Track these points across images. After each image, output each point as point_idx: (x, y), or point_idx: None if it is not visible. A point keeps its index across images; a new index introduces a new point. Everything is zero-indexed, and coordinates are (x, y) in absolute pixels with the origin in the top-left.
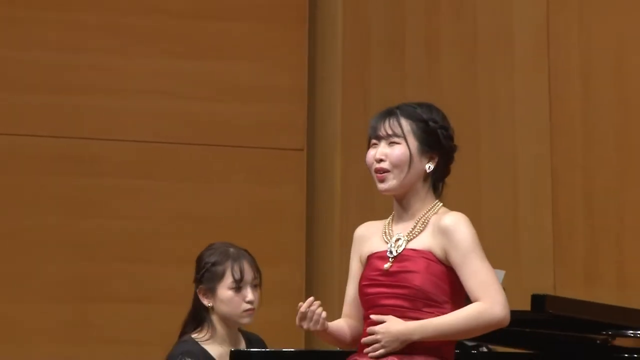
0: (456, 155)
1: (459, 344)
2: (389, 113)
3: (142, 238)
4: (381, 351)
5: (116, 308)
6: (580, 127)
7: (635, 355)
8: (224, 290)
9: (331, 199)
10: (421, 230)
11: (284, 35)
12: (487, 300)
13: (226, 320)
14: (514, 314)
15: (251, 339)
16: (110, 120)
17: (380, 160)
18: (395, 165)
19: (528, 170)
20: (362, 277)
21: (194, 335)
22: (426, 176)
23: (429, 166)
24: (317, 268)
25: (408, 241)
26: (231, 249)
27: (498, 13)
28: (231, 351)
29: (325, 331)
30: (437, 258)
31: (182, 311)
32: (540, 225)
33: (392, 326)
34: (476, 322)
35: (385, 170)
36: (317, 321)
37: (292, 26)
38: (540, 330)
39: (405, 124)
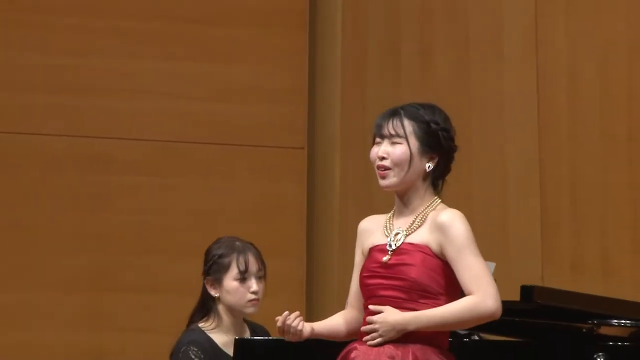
0: None
1: (452, 333)
2: (394, 113)
3: (152, 231)
4: (379, 340)
5: (128, 298)
6: (566, 125)
7: (619, 343)
8: (230, 281)
9: (331, 194)
10: (419, 226)
11: (285, 39)
12: (480, 294)
13: (232, 310)
14: (504, 304)
15: (255, 329)
16: (121, 120)
17: (383, 158)
18: (396, 164)
19: (517, 165)
20: (363, 269)
21: (200, 325)
22: (426, 175)
23: (429, 165)
24: (318, 260)
25: (406, 235)
26: (237, 242)
27: (489, 18)
28: (235, 339)
29: (310, 336)
30: (433, 252)
31: (191, 301)
32: (529, 218)
33: (389, 316)
34: (469, 315)
35: (387, 168)
36: (294, 334)
37: (293, 31)
38: (529, 320)
39: (408, 124)
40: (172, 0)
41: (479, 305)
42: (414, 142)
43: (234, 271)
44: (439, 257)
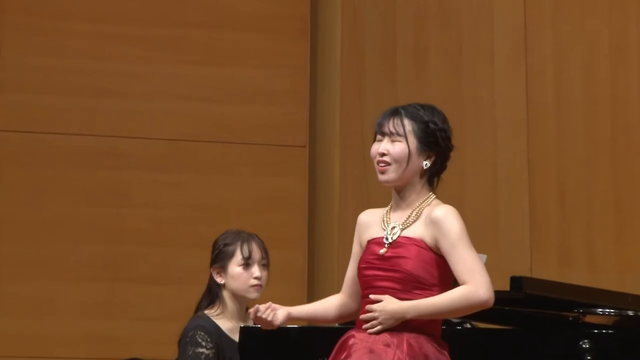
0: None
1: (446, 321)
2: (395, 112)
3: (162, 225)
4: (378, 328)
5: (140, 287)
6: (553, 125)
7: (604, 331)
8: (234, 267)
9: (330, 190)
10: (415, 220)
11: (288, 44)
12: (473, 284)
13: (236, 296)
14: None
15: None
16: (133, 120)
17: (383, 155)
18: (396, 160)
19: (507, 163)
20: (361, 260)
21: (206, 312)
22: (423, 172)
23: (426, 163)
24: (318, 252)
25: (402, 229)
26: (243, 233)
27: (480, 23)
28: (240, 327)
29: (286, 321)
30: (427, 246)
31: (198, 291)
32: (518, 213)
33: (388, 305)
34: (463, 303)
35: (387, 164)
36: (267, 323)
37: (296, 36)
38: (518, 309)
39: (408, 124)
40: (180, 7)
41: (473, 295)
42: (412, 141)
43: (238, 257)
44: (433, 251)
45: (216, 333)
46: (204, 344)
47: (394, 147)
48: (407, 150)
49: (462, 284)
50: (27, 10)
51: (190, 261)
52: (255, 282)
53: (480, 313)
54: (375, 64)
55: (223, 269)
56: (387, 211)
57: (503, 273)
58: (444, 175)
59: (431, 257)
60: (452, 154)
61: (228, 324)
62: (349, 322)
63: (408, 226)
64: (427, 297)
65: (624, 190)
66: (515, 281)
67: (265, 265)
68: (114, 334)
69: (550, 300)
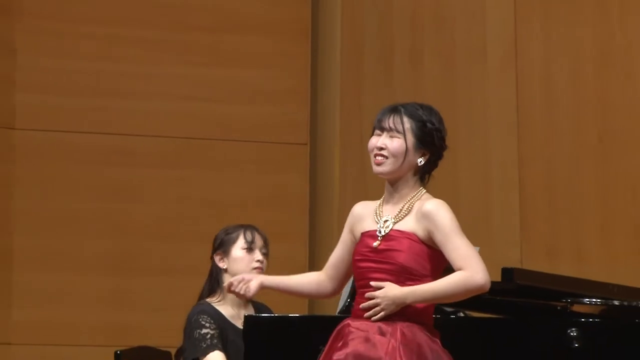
0: None
1: (440, 311)
2: (395, 110)
3: (169, 219)
4: (381, 314)
5: (148, 279)
6: (542, 126)
7: (590, 319)
8: (237, 250)
9: (330, 186)
10: (406, 214)
11: (290, 46)
12: (470, 270)
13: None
14: None
15: (259, 307)
16: (142, 119)
17: (381, 149)
18: (393, 155)
19: (499, 162)
20: (355, 253)
21: (208, 300)
22: (417, 169)
23: (421, 160)
24: (319, 245)
25: (395, 223)
26: (244, 224)
27: (473, 29)
28: (245, 316)
29: (258, 290)
30: (419, 239)
31: (203, 282)
32: (509, 209)
33: (390, 291)
34: (461, 287)
35: (384, 157)
36: (239, 294)
37: (297, 38)
38: (509, 299)
39: (407, 121)
40: (188, 12)
41: (470, 279)
42: (410, 138)
43: (241, 241)
44: (424, 243)
45: (218, 318)
46: (207, 325)
47: (392, 142)
48: (404, 146)
49: (459, 271)
50: (40, 15)
51: (195, 254)
52: (257, 264)
53: (473, 303)
54: (374, 65)
55: (225, 254)
56: (379, 204)
57: (495, 265)
58: (439, 173)
59: (422, 249)
60: (447, 153)
61: (230, 311)
62: (346, 311)
63: (400, 219)
64: None
65: (609, 188)
66: (507, 272)
67: (265, 254)
68: (123, 323)
69: (539, 291)
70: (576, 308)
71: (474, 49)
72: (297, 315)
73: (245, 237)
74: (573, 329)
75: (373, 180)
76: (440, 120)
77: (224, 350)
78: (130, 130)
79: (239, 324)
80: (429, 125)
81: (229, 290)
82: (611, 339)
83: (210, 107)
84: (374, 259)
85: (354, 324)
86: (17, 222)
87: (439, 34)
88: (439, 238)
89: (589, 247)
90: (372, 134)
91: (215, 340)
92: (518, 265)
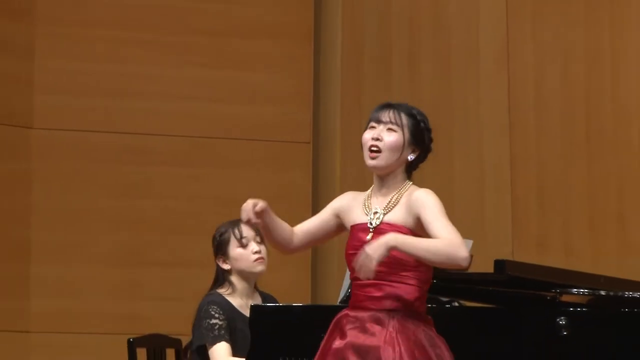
0: (434, 148)
1: (435, 300)
2: (391, 105)
3: (179, 214)
4: (373, 262)
5: (160, 271)
6: (533, 126)
7: (578, 309)
8: (234, 250)
9: (332, 181)
10: (395, 205)
11: (293, 49)
12: (456, 240)
13: (243, 275)
14: (480, 275)
15: (266, 297)
16: (154, 119)
17: (377, 139)
18: (389, 149)
19: (491, 159)
20: (348, 247)
21: (218, 290)
22: (407, 164)
23: (411, 157)
24: None
25: (384, 214)
26: (233, 220)
27: (467, 32)
28: (251, 305)
29: (261, 220)
30: (409, 230)
31: (211, 273)
32: (501, 205)
33: (371, 244)
34: (444, 252)
35: (378, 150)
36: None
37: (300, 42)
38: (501, 289)
39: (404, 117)
40: (198, 16)
41: (455, 249)
42: (406, 133)
43: (234, 241)
44: (414, 234)
45: (228, 308)
46: (217, 315)
47: (390, 136)
48: (402, 140)
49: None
50: (57, 21)
51: (204, 247)
52: (256, 256)
53: (467, 293)
54: (373, 68)
55: (225, 256)
56: (367, 196)
57: (487, 257)
58: (434, 170)
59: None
60: (442, 151)
61: (238, 301)
62: (347, 301)
63: (389, 211)
64: (413, 277)
65: (597, 186)
66: (499, 264)
67: (260, 241)
68: (136, 312)
69: (530, 282)
70: (565, 298)
71: (468, 53)
72: (301, 304)
73: (235, 236)
74: (562, 317)
75: (372, 176)
76: (428, 123)
77: (232, 339)
78: (142, 130)
79: (247, 312)
80: (422, 124)
81: (248, 223)
82: (598, 327)
83: (219, 108)
84: None
85: (351, 314)
86: (35, 217)
87: (435, 38)
88: (427, 217)
89: (576, 241)
90: (366, 129)
91: (223, 332)
92: (510, 258)
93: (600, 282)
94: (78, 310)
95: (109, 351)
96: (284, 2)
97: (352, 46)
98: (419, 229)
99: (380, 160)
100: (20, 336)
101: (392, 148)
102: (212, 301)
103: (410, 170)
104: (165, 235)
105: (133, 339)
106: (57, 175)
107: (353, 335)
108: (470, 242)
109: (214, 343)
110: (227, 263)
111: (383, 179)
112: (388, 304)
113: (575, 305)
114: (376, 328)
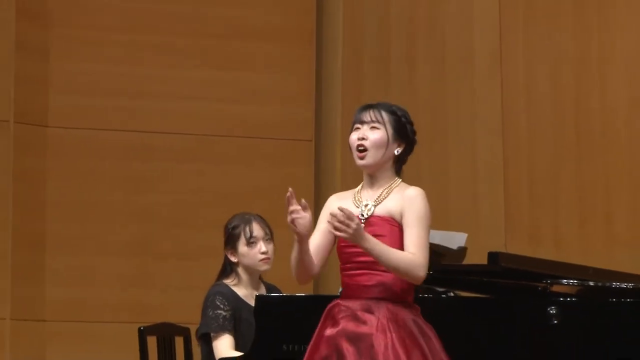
0: (429, 145)
1: (430, 291)
2: (372, 106)
3: (187, 208)
4: (350, 232)
5: (168, 262)
6: (525, 126)
7: (568, 299)
8: (242, 247)
9: (333, 178)
10: (385, 198)
11: (296, 51)
12: (418, 260)
13: (248, 269)
14: (475, 266)
15: (270, 287)
16: (162, 118)
17: (363, 139)
18: (375, 146)
19: (485, 158)
20: (341, 239)
21: (224, 281)
22: (394, 159)
23: (397, 150)
24: None
25: (375, 206)
26: (245, 215)
27: (462, 36)
28: (256, 295)
29: (303, 240)
30: (397, 223)
31: (217, 264)
32: (495, 200)
33: (359, 225)
34: (404, 267)
35: (365, 149)
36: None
37: (302, 44)
38: (494, 280)
39: (385, 115)
40: (205, 20)
41: (415, 267)
42: (389, 129)
43: (243, 239)
44: (401, 227)
45: (233, 298)
46: (222, 306)
47: (374, 133)
48: (385, 136)
49: (409, 253)
50: (71, 24)
51: (211, 240)
52: (263, 256)
53: (461, 284)
54: (373, 68)
55: (234, 250)
56: (358, 191)
57: (481, 249)
58: (431, 168)
59: (401, 232)
60: (438, 149)
61: (243, 291)
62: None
63: (379, 203)
64: None
65: (586, 184)
66: (492, 256)
67: (269, 239)
68: (146, 301)
69: (522, 273)
70: (555, 288)
71: (463, 56)
72: (304, 294)
73: (245, 234)
74: (552, 307)
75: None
76: (409, 117)
77: (237, 328)
78: (151, 128)
79: (252, 302)
80: (403, 119)
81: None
82: (587, 316)
83: (224, 107)
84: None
85: (343, 303)
86: (50, 210)
87: (431, 41)
88: (407, 219)
89: (566, 234)
90: (352, 131)
91: (227, 322)
92: (503, 250)
93: (589, 273)
94: (90, 299)
95: (120, 339)
96: (287, 6)
97: (352, 47)
98: (402, 222)
99: (369, 159)
100: (37, 324)
101: (378, 144)
102: (219, 292)
103: (399, 165)
104: (173, 228)
105: (143, 327)
106: (71, 171)
107: (345, 323)
108: (465, 235)
109: (217, 333)
110: (234, 256)
111: (373, 175)
112: (377, 292)
113: (565, 295)
114: (367, 316)
